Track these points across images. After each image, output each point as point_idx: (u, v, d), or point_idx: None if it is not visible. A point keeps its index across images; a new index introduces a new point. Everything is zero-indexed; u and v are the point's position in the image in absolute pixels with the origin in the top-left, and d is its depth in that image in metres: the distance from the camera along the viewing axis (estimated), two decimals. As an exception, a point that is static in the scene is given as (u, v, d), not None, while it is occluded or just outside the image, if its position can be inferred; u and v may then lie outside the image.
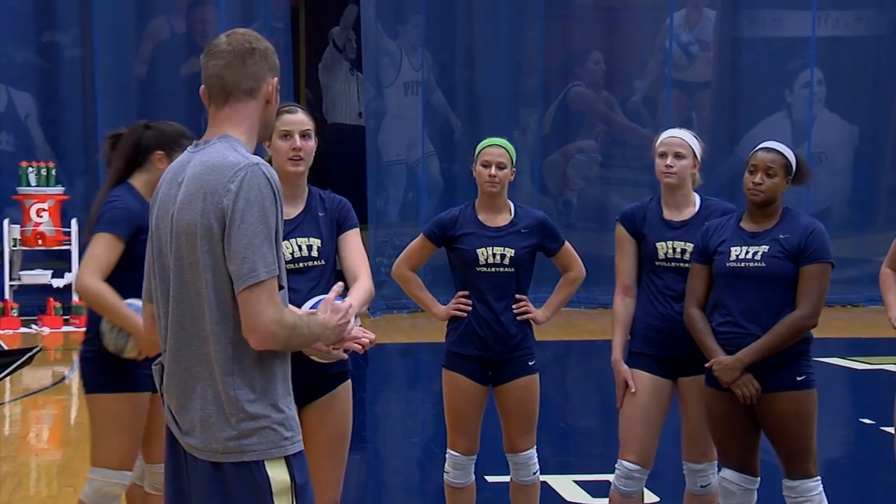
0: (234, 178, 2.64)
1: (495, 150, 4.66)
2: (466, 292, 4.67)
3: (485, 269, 4.63)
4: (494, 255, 4.63)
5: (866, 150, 13.85)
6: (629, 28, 13.67)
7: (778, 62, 13.67)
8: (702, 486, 4.57)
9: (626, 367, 4.51)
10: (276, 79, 2.81)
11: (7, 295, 11.59)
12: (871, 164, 13.81)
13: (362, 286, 3.77)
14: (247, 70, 2.78)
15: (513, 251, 4.62)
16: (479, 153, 4.71)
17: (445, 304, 4.81)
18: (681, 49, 13.68)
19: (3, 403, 8.21)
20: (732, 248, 4.24)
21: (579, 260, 4.82)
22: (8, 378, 8.68)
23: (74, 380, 9.41)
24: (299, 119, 3.84)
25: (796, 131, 13.45)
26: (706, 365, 4.24)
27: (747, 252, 4.21)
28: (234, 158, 2.68)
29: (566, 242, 4.81)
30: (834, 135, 13.73)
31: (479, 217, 4.70)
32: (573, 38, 13.66)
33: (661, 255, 4.48)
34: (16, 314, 11.43)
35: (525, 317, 4.67)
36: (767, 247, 4.20)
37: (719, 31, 13.75)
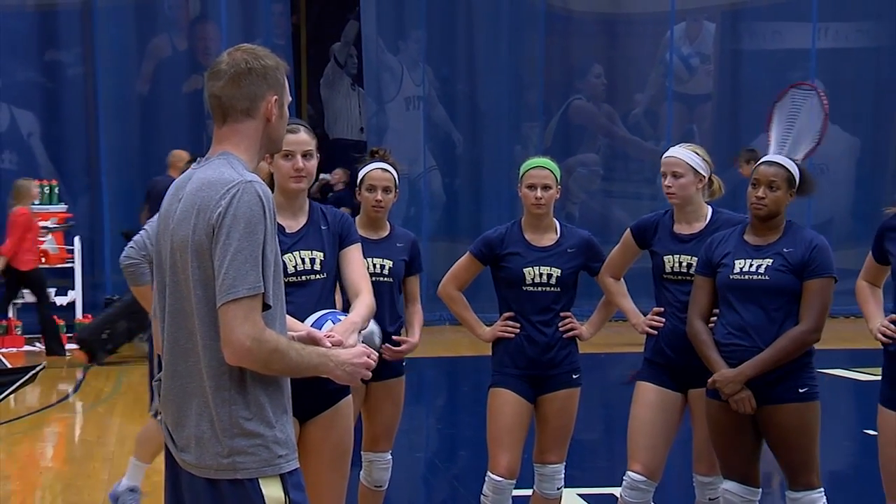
0: (226, 194, 2.64)
1: (539, 171, 4.68)
2: (512, 314, 4.68)
3: (531, 288, 4.64)
4: (541, 274, 4.64)
5: (868, 162, 13.87)
6: (629, 41, 13.71)
7: (778, 74, 13.69)
8: (710, 500, 4.56)
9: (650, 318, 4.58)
10: (275, 97, 2.78)
11: (10, 313, 11.60)
12: (872, 175, 13.83)
13: (364, 302, 3.77)
14: (241, 90, 2.78)
15: (559, 271, 4.64)
16: (522, 175, 4.72)
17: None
18: (681, 62, 13.71)
19: (7, 422, 8.21)
20: (736, 261, 4.24)
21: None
22: (12, 396, 8.69)
23: (78, 397, 9.41)
24: (302, 139, 3.86)
25: (797, 143, 13.46)
26: (710, 381, 4.24)
27: (751, 265, 4.21)
28: (229, 175, 2.68)
29: None
30: (835, 146, 13.74)
31: (526, 236, 4.71)
32: (574, 52, 13.70)
33: (668, 268, 4.51)
34: (19, 332, 11.44)
35: (571, 334, 4.68)
36: (771, 260, 4.20)
37: (719, 44, 13.79)
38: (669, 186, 4.48)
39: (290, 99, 2.86)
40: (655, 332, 4.54)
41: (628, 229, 4.68)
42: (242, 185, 2.65)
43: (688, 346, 4.36)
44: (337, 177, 12.86)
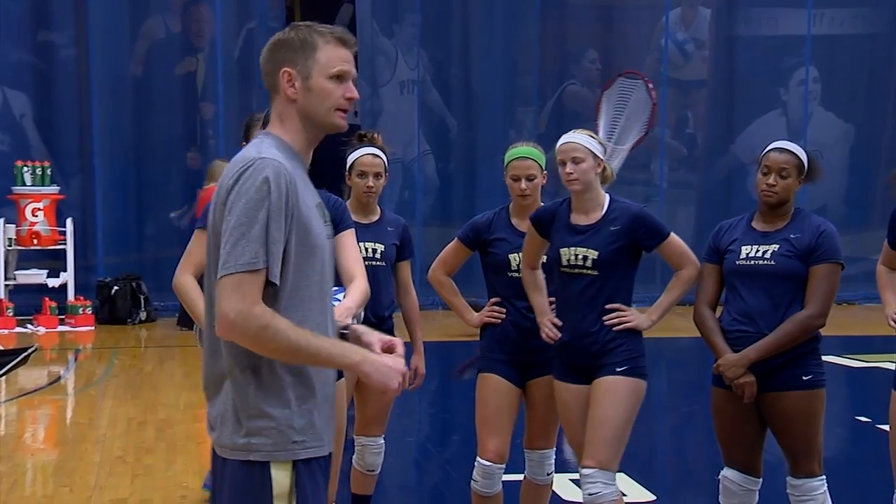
0: (237, 172, 2.63)
1: (521, 163, 4.61)
2: (498, 299, 4.65)
3: (516, 274, 4.60)
4: None
5: (862, 148, 13.87)
6: (625, 26, 13.67)
7: (773, 60, 13.68)
8: (590, 494, 4.21)
9: (550, 324, 4.38)
10: (286, 71, 2.69)
11: (2, 294, 11.57)
12: (866, 162, 13.83)
13: (359, 287, 3.77)
14: (266, 66, 2.77)
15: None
16: (506, 165, 4.66)
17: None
18: (676, 47, 13.68)
19: (-2, 403, 8.20)
20: (743, 247, 4.23)
21: None
22: (3, 378, 8.67)
23: (70, 379, 9.40)
24: None
25: (791, 129, 13.46)
26: (714, 366, 4.23)
27: (758, 250, 4.21)
28: (249, 154, 2.67)
29: None
30: (829, 133, 13.74)
31: (513, 222, 4.67)
32: (569, 37, 13.66)
33: (565, 261, 4.34)
34: (11, 314, 11.42)
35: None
36: (778, 245, 4.19)
37: (715, 30, 13.76)
38: (570, 173, 4.30)
39: (329, 72, 2.69)
40: (552, 342, 4.37)
41: (529, 223, 4.49)
42: (257, 161, 2.62)
43: (583, 344, 4.25)
44: None
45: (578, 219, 4.35)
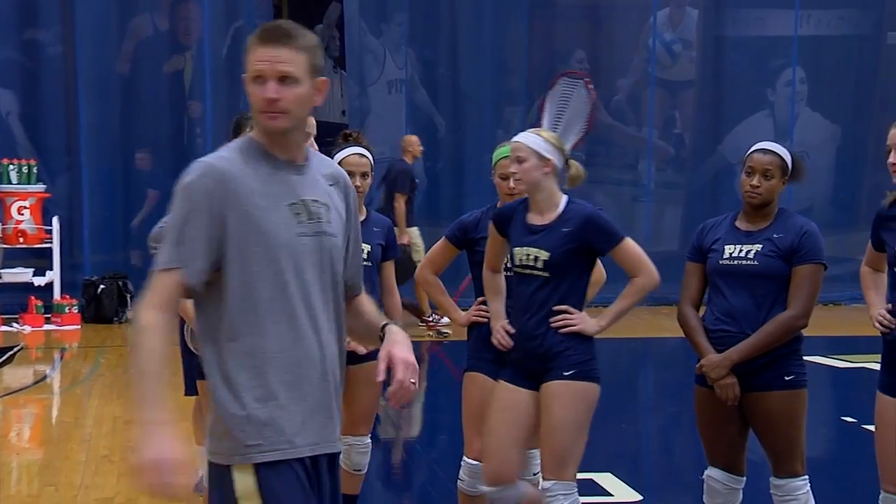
0: None
1: (509, 161, 4.57)
2: (485, 298, 4.62)
3: (504, 272, 4.57)
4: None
5: (848, 149, 13.92)
6: (613, 27, 13.70)
7: (760, 61, 13.72)
8: None
9: (503, 330, 4.33)
10: (243, 75, 2.66)
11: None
12: (852, 163, 13.88)
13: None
14: None
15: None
16: (495, 164, 4.64)
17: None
18: (664, 48, 13.71)
19: (-17, 402, 8.17)
20: (726, 247, 4.24)
21: (601, 265, 4.75)
22: (-11, 377, 8.64)
23: (56, 378, 9.37)
24: None
25: (778, 130, 13.50)
26: (697, 366, 4.24)
27: (740, 250, 4.22)
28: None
29: None
30: (816, 134, 13.79)
31: None
32: (557, 37, 13.68)
33: (517, 260, 4.26)
34: (-4, 312, 11.38)
35: None
36: (761, 245, 4.20)
37: (702, 30, 13.80)
38: (514, 172, 4.30)
39: (249, 75, 2.63)
40: (504, 349, 4.34)
41: (490, 223, 4.45)
42: (193, 164, 2.65)
43: (529, 346, 4.21)
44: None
45: (534, 218, 4.29)
